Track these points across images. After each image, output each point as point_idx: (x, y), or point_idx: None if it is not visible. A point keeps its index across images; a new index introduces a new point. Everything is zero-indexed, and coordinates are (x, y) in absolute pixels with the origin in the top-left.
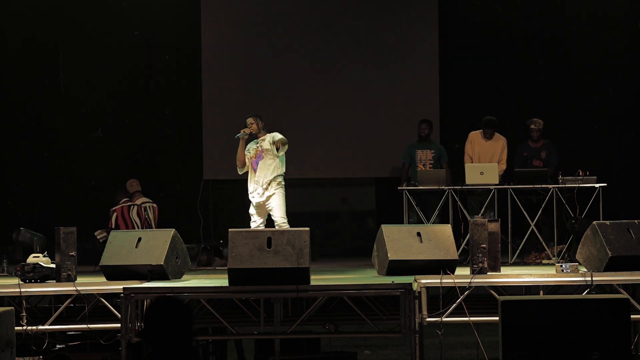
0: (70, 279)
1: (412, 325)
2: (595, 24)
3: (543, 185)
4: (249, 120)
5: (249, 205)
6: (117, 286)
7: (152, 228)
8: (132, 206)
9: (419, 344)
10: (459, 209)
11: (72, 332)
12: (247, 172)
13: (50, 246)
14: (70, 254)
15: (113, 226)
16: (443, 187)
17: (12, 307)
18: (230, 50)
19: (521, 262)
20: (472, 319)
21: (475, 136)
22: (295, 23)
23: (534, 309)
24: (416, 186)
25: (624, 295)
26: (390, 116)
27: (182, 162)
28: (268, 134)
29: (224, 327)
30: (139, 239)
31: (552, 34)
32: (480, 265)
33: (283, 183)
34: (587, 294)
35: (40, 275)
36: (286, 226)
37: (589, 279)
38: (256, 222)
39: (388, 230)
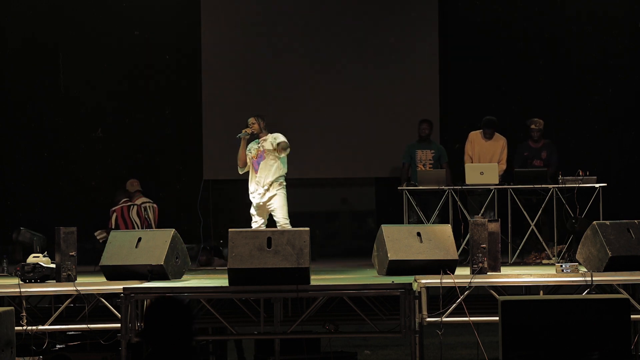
0: (70, 279)
1: (412, 325)
2: (595, 24)
3: (543, 185)
4: (251, 120)
5: (249, 205)
6: (117, 286)
7: (152, 228)
8: (131, 206)
9: (419, 344)
10: (459, 209)
11: (72, 332)
12: (247, 172)
13: (50, 246)
14: (70, 254)
15: (113, 226)
16: (443, 187)
17: (12, 307)
18: (230, 50)
19: (521, 262)
20: (472, 319)
21: (475, 136)
22: (295, 23)
23: (534, 309)
24: (416, 186)
25: (624, 295)
26: (390, 116)
27: (182, 162)
28: (270, 135)
29: (224, 327)
30: (139, 239)
31: (552, 34)
32: (480, 265)
33: (285, 184)
34: (587, 294)
35: (40, 275)
36: (288, 227)
37: (589, 279)
38: (257, 222)
39: (388, 230)
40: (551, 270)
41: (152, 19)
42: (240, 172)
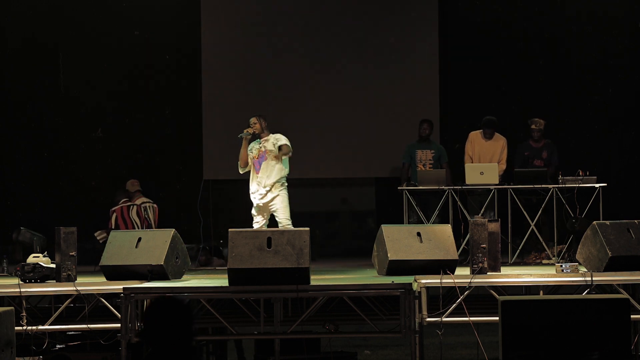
0: (70, 279)
1: (412, 325)
2: (595, 24)
3: (543, 185)
4: (252, 120)
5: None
6: (117, 286)
7: (152, 228)
8: (131, 206)
9: (419, 344)
10: (459, 209)
11: (72, 332)
12: (248, 172)
13: (50, 246)
14: (70, 254)
15: (113, 226)
16: (443, 187)
17: (12, 307)
18: (230, 50)
19: (521, 262)
20: (472, 319)
21: (475, 136)
22: (295, 23)
23: (534, 309)
24: (416, 186)
25: (624, 295)
26: (390, 116)
27: (182, 162)
28: (272, 135)
29: (224, 327)
30: (139, 239)
31: (552, 34)
32: (480, 265)
33: (286, 184)
34: (587, 294)
35: (40, 275)
36: (291, 227)
37: (589, 279)
38: (259, 222)
39: (388, 230)
40: (551, 270)
41: (152, 19)
42: (241, 172)
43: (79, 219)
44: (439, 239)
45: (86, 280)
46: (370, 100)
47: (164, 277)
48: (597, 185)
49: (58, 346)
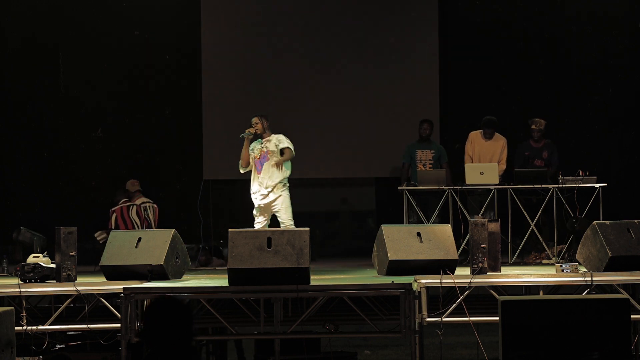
0: (70, 279)
1: (412, 325)
2: (595, 24)
3: (543, 185)
4: (254, 120)
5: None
6: (117, 286)
7: (152, 228)
8: (131, 206)
9: (419, 344)
10: (459, 209)
11: (72, 332)
12: (249, 172)
13: (50, 246)
14: (70, 254)
15: (113, 227)
16: (443, 187)
17: (12, 307)
18: (230, 50)
19: (521, 262)
20: (472, 319)
21: (475, 136)
22: (295, 23)
23: (534, 309)
24: (416, 186)
25: (624, 295)
26: (390, 116)
27: (182, 162)
28: (274, 135)
29: (224, 327)
30: (139, 239)
31: (552, 34)
32: (480, 265)
33: (288, 184)
34: (587, 294)
35: (40, 275)
36: (293, 227)
37: (589, 279)
38: (260, 223)
39: (388, 230)
40: (551, 270)
41: (152, 19)
42: (242, 172)
43: (79, 219)
44: (439, 239)
45: (86, 280)
46: (370, 100)
47: (164, 277)
48: (597, 185)
49: (58, 346)
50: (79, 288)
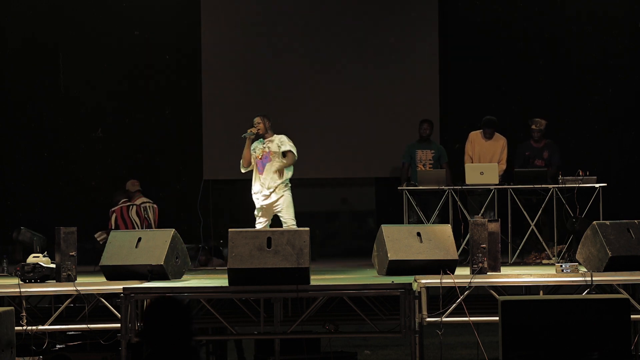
0: (70, 279)
1: (412, 325)
2: (595, 24)
3: (543, 185)
4: (257, 119)
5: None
6: (117, 286)
7: (152, 228)
8: (131, 206)
9: (419, 344)
10: (459, 209)
11: (72, 332)
12: (250, 171)
13: (50, 246)
14: (70, 254)
15: (113, 227)
16: (443, 187)
17: (12, 307)
18: (230, 50)
19: (521, 262)
20: (472, 319)
21: (475, 136)
22: (295, 23)
23: (534, 309)
24: (416, 186)
25: (624, 295)
26: (390, 116)
27: (182, 162)
28: (276, 136)
29: (224, 327)
30: (139, 239)
31: (552, 34)
32: (480, 265)
33: (289, 185)
34: (587, 294)
35: (40, 275)
36: (295, 227)
37: (589, 279)
38: (262, 223)
39: (388, 230)
40: (551, 270)
41: (152, 19)
42: (243, 171)
43: (79, 219)
44: (439, 239)
45: (86, 280)
46: (370, 100)
47: (164, 277)
48: (597, 185)
49: (58, 346)
50: (79, 288)
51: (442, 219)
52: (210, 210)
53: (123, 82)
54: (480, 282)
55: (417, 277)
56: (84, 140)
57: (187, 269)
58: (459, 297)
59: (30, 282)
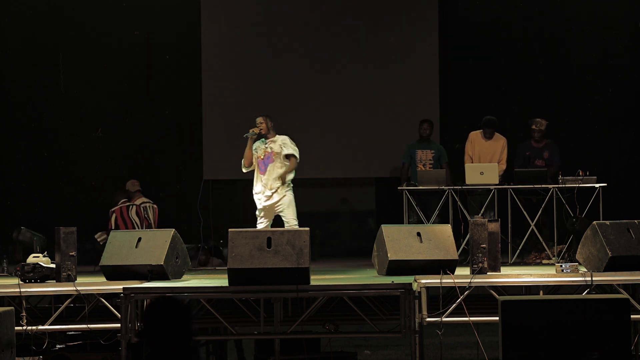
0: (70, 279)
1: (412, 325)
2: (595, 24)
3: (543, 185)
4: (259, 119)
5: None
6: (117, 286)
7: (152, 228)
8: (130, 206)
9: (419, 344)
10: (459, 209)
11: (72, 332)
12: (251, 172)
13: (50, 246)
14: (70, 254)
15: (113, 227)
16: (443, 187)
17: (12, 307)
18: (230, 50)
19: (521, 262)
20: (472, 319)
21: (475, 136)
22: (295, 23)
23: (534, 309)
24: (416, 186)
25: (624, 295)
26: (390, 116)
27: (182, 162)
28: (278, 136)
29: (224, 327)
30: (139, 239)
31: (552, 34)
32: (480, 265)
33: (291, 185)
34: (587, 294)
35: (40, 275)
36: (297, 227)
37: (589, 279)
38: (263, 223)
39: (388, 230)
40: (551, 270)
41: (152, 19)
42: (245, 171)
43: (79, 219)
44: (439, 239)
45: (86, 280)
46: (370, 100)
47: (164, 277)
48: (597, 185)
49: (58, 346)
50: (79, 288)
51: (442, 219)
52: (210, 210)
53: (123, 82)
54: (480, 282)
55: (417, 277)
56: (84, 140)
57: (187, 269)
58: (459, 297)
59: (30, 282)
